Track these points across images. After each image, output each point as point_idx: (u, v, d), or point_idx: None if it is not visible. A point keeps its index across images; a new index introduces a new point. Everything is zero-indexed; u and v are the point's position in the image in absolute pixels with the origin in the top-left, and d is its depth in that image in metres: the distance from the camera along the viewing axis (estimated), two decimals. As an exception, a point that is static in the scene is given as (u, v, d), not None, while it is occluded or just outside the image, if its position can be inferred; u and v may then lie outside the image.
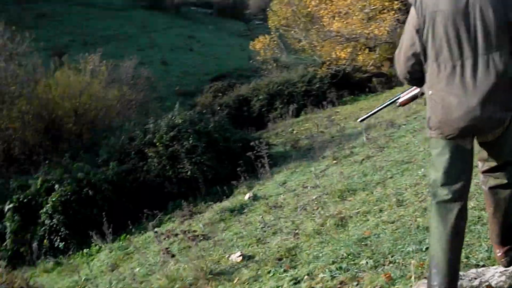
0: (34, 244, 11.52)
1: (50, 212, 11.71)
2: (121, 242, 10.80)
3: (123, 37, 38.63)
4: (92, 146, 14.86)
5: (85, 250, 11.17)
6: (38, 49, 18.22)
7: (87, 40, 34.92)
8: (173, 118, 13.77)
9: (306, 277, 5.36)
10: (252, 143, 12.37)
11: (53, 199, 11.79)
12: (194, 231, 8.67)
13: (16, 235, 11.71)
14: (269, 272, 5.88)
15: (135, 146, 13.40)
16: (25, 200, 12.01)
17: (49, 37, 33.12)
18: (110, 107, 17.69)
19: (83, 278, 9.49)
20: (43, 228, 11.67)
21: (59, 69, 17.46)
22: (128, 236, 11.04)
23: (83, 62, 18.30)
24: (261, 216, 8.41)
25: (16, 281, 9.29)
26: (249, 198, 10.32)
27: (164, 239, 8.60)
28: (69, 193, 11.95)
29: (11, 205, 11.90)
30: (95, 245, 10.96)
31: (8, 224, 11.79)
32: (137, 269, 8.37)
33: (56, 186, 12.13)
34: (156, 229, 9.54)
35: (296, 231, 7.10)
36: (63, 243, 11.53)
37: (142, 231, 11.03)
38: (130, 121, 15.09)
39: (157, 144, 13.08)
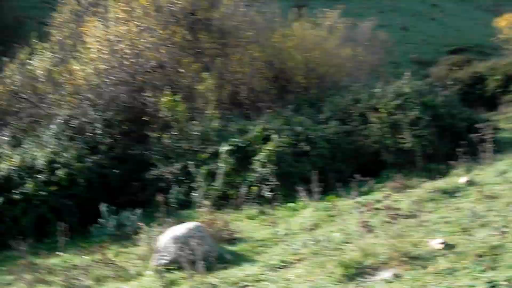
0: (243, 189, 11.56)
1: (263, 161, 11.66)
2: (326, 203, 10.45)
3: (365, -3, 37.96)
4: (316, 102, 14.61)
5: (290, 204, 10.98)
6: (279, -1, 18.21)
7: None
8: (402, 86, 13.05)
9: (504, 282, 4.75)
10: (478, 125, 11.34)
11: (269, 148, 11.71)
12: (397, 208, 7.96)
13: (227, 177, 11.82)
14: (466, 268, 5.32)
15: (359, 108, 12.89)
16: (242, 144, 12.06)
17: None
18: (341, 66, 17.29)
19: (283, 232, 9.25)
20: (254, 175, 11.64)
21: (297, 20, 17.33)
22: (334, 198, 10.68)
23: (322, 17, 17.99)
24: (472, 204, 7.58)
25: (217, 222, 9.35)
26: (464, 182, 9.53)
27: (367, 211, 7.99)
28: (285, 145, 11.81)
29: (227, 147, 12.02)
30: (301, 201, 10.68)
31: (222, 165, 11.93)
32: (335, 234, 7.93)
33: (274, 136, 12.04)
34: (358, 198, 8.98)
35: (505, 229, 6.34)
36: (271, 193, 11.40)
37: (349, 195, 10.54)
38: (359, 82, 14.55)
39: (381, 110, 12.46)
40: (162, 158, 12.77)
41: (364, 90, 13.64)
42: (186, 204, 12.08)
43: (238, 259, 8.07)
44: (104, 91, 13.77)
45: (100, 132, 13.02)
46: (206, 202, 10.44)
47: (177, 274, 7.45)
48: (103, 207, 10.82)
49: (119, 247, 9.69)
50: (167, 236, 8.02)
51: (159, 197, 10.52)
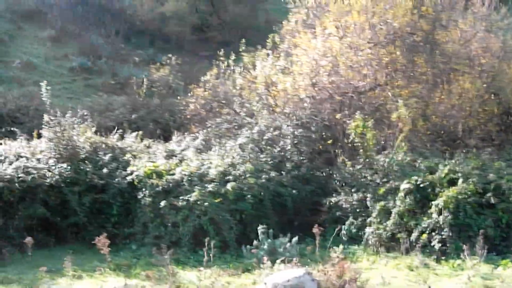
0: (414, 234, 10.52)
1: (440, 207, 10.43)
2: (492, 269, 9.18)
3: None
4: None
5: (457, 261, 9.71)
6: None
7: None
8: None
9: None
10: None
11: (448, 194, 10.43)
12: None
13: (400, 218, 10.84)
14: None
15: None
16: (423, 184, 10.93)
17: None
18: None
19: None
20: (428, 221, 10.50)
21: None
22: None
23: None
24: None
25: (345, 271, 8.57)
26: None
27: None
28: (468, 193, 10.41)
29: (407, 185, 10.99)
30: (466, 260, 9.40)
31: (398, 203, 10.96)
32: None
33: (460, 181, 10.68)
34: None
35: None
36: (440, 244, 10.20)
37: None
38: None
39: None
40: (344, 185, 12.18)
41: None
42: (357, 239, 11.43)
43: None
44: (305, 106, 13.53)
45: (290, 148, 12.85)
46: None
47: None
48: (260, 228, 10.67)
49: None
50: (271, 282, 7.57)
51: (316, 229, 10.05)
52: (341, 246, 9.33)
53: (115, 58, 23.41)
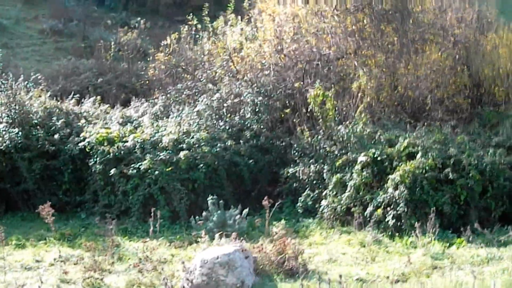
0: (369, 209, 10.20)
1: (396, 182, 10.06)
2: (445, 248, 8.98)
3: None
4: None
5: (411, 239, 9.45)
6: None
7: None
8: None
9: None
10: None
11: (405, 169, 10.06)
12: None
13: (356, 192, 10.48)
14: None
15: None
16: (381, 158, 10.55)
17: None
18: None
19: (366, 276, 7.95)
20: (384, 195, 10.13)
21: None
22: (463, 243, 9.22)
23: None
24: None
25: (286, 249, 8.23)
26: None
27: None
28: (426, 167, 10.03)
29: (364, 158, 10.61)
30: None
31: (355, 176, 10.59)
32: None
33: (419, 155, 10.30)
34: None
35: None
36: (394, 220, 9.86)
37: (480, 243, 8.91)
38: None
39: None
40: (302, 156, 11.81)
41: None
42: (314, 212, 11.12)
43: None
44: (268, 74, 13.08)
45: (249, 116, 12.42)
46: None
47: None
48: (210, 199, 10.32)
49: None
50: (199, 258, 7.21)
51: (265, 202, 9.68)
52: (283, 221, 8.97)
53: (86, 21, 22.71)
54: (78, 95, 13.94)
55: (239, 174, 11.57)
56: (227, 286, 6.85)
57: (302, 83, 12.58)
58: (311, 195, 11.28)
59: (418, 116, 12.57)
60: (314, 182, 11.42)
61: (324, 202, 10.84)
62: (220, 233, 8.63)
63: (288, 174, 11.71)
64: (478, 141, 11.11)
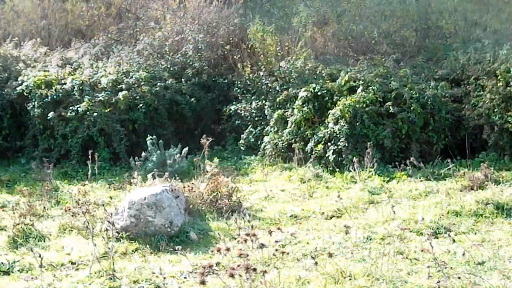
0: (309, 145, 10.18)
1: (337, 116, 10.02)
2: (383, 182, 9.04)
3: None
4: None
5: (350, 174, 9.42)
6: None
7: None
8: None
9: None
10: None
11: (345, 103, 10.01)
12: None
13: (297, 128, 10.45)
14: None
15: (476, 71, 10.47)
16: (321, 92, 10.49)
17: None
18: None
19: (302, 211, 7.97)
20: (325, 130, 10.10)
21: None
22: (403, 177, 9.21)
23: None
24: None
25: (220, 187, 8.16)
26: None
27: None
28: (367, 101, 10.00)
29: (304, 93, 10.54)
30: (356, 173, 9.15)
31: (296, 112, 10.54)
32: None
33: (359, 89, 10.25)
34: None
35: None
36: (335, 155, 9.86)
37: (419, 177, 8.95)
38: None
39: (499, 77, 9.95)
40: (244, 93, 11.70)
41: (491, 49, 10.95)
42: (256, 149, 11.09)
43: (207, 241, 6.97)
44: (211, 10, 12.81)
45: (191, 53, 12.20)
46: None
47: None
48: (149, 139, 10.19)
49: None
50: (127, 199, 7.13)
51: (203, 140, 9.54)
52: (216, 159, 8.86)
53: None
54: (16, 39, 13.51)
55: (181, 113, 11.43)
56: (155, 227, 6.79)
57: (244, 19, 12.33)
58: (254, 132, 11.27)
59: (364, 50, 12.46)
60: (256, 119, 11.40)
61: (266, 139, 10.82)
62: (153, 173, 8.55)
63: (231, 112, 11.64)
64: (422, 74, 11.07)
